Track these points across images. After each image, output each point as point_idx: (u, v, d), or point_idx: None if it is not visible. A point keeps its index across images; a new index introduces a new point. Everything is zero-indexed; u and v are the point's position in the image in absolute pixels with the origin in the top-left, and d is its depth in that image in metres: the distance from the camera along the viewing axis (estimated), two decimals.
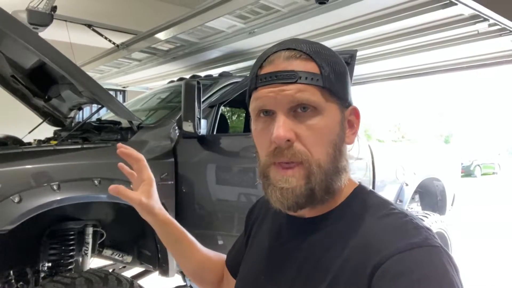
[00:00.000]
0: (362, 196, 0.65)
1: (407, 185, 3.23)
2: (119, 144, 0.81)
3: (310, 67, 0.60)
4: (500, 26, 2.01)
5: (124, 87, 4.43)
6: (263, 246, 0.72)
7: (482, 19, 1.93)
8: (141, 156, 0.82)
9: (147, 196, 0.80)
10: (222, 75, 2.68)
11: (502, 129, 35.71)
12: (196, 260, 0.87)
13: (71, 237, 1.95)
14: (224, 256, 0.90)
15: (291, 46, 0.62)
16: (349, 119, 0.65)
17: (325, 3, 1.58)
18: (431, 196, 3.85)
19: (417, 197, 3.86)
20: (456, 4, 1.76)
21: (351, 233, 0.59)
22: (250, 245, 0.78)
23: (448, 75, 3.08)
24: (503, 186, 14.65)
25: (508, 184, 15.21)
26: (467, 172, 18.32)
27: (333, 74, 0.61)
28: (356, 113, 0.66)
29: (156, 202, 0.82)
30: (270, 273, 0.67)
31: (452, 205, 3.98)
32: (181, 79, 2.95)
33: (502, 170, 21.59)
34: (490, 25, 2.01)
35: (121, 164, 0.82)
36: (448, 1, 1.77)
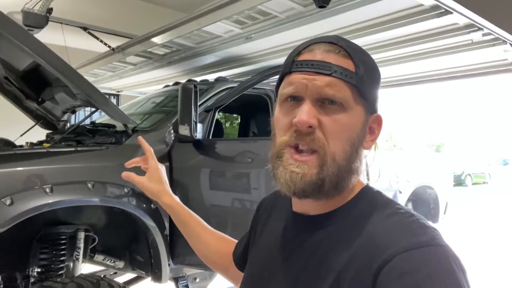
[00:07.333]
0: (369, 196, 0.65)
1: (400, 192, 3.25)
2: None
3: (346, 63, 0.62)
4: (494, 35, 2.03)
5: (118, 91, 4.40)
6: (268, 243, 0.73)
7: (476, 28, 1.95)
8: (147, 148, 0.96)
9: (152, 180, 0.92)
10: (218, 80, 2.68)
11: (493, 139, 36.16)
12: (205, 243, 0.93)
13: (63, 241, 1.91)
14: (234, 241, 0.94)
15: (333, 41, 0.64)
16: (371, 125, 0.66)
17: (325, 6, 1.59)
18: (424, 204, 3.87)
19: (410, 204, 3.88)
20: (451, 13, 1.78)
21: (357, 231, 0.59)
22: (256, 243, 0.78)
23: (441, 84, 3.12)
24: (493, 195, 14.79)
25: (499, 193, 15.36)
26: (458, 181, 18.42)
27: (367, 77, 0.63)
28: (379, 121, 0.67)
29: (161, 185, 0.93)
30: (274, 269, 0.67)
31: (444, 213, 4.01)
32: (176, 83, 2.94)
33: (492, 180, 21.78)
34: (484, 35, 2.03)
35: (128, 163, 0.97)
36: (443, 10, 1.79)
